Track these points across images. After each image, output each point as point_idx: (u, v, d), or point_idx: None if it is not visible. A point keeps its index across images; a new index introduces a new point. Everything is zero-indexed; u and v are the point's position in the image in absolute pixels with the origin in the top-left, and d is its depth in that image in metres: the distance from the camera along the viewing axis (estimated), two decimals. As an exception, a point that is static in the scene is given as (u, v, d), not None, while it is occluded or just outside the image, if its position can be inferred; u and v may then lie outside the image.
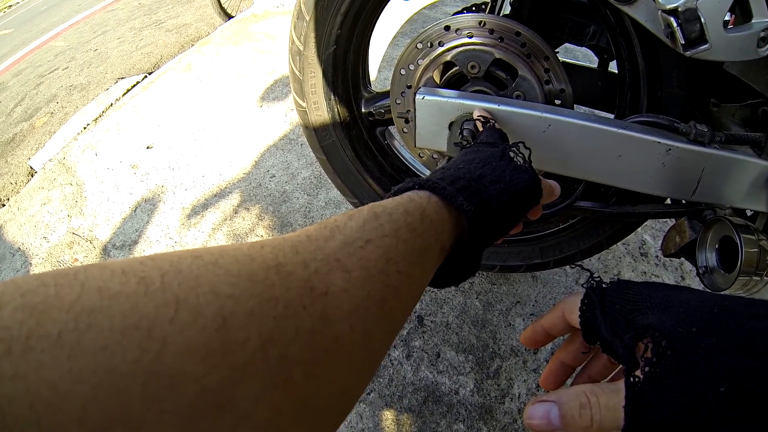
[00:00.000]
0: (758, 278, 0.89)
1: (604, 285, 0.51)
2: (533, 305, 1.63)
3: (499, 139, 0.78)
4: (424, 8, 3.64)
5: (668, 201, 1.11)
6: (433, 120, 1.02)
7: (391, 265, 0.42)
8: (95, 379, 0.23)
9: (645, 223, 1.85)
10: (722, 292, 0.93)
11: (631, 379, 0.39)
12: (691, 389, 0.36)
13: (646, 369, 0.39)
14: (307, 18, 1.14)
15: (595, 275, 0.52)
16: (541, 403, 0.42)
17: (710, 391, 0.35)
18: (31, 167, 2.94)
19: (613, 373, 0.56)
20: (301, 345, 0.33)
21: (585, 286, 0.52)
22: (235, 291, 0.31)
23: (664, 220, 1.85)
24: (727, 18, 0.85)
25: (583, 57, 2.66)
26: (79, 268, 0.28)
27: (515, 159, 0.65)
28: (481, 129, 0.88)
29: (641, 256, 1.79)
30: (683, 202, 1.07)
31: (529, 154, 0.67)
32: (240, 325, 0.30)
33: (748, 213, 1.09)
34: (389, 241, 0.43)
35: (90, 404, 0.23)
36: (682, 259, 1.14)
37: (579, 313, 0.51)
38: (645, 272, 1.74)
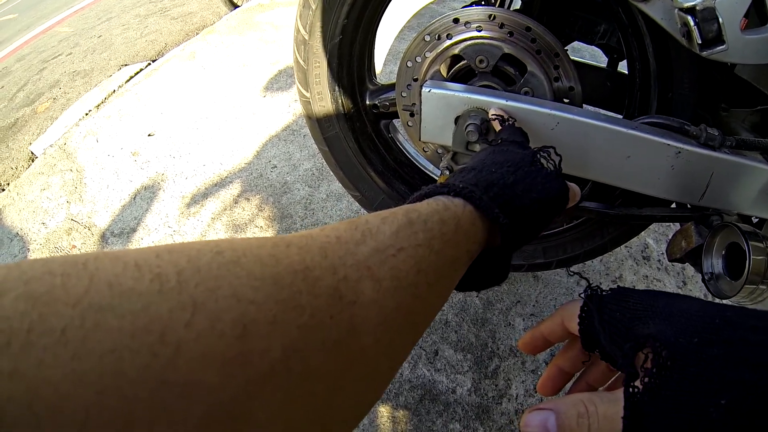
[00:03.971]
0: (764, 287, 0.88)
1: (603, 292, 0.50)
2: (533, 305, 1.62)
3: (522, 138, 0.77)
4: (431, 2, 3.63)
5: (674, 205, 1.10)
6: (439, 114, 1.01)
7: (422, 276, 0.41)
8: (101, 384, 0.22)
9: (648, 227, 1.84)
10: (727, 300, 0.92)
11: (630, 389, 0.38)
12: (691, 401, 0.36)
13: (646, 380, 0.38)
14: (314, 7, 1.13)
15: (593, 284, 0.51)
16: (539, 412, 0.41)
17: (711, 403, 0.35)
18: (32, 152, 2.93)
19: (611, 380, 0.55)
20: (326, 357, 0.32)
21: (581, 295, 0.51)
22: (257, 296, 0.29)
23: (668, 224, 1.84)
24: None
25: (591, 57, 2.64)
26: (89, 255, 0.26)
27: (546, 165, 0.64)
28: (498, 128, 0.87)
29: (643, 260, 1.78)
30: (689, 206, 1.05)
31: (560, 161, 0.66)
32: (261, 334, 0.28)
33: (754, 220, 1.08)
34: (422, 252, 0.42)
35: (93, 410, 0.21)
36: (685, 264, 1.13)
37: (578, 321, 0.51)
38: (647, 276, 1.72)
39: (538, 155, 0.65)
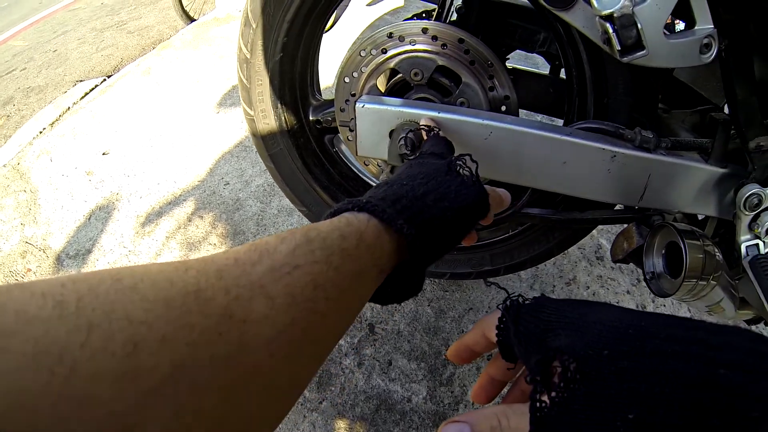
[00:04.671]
0: (704, 283, 0.90)
1: (525, 301, 0.49)
2: (486, 312, 1.62)
3: (444, 148, 0.78)
4: (385, 14, 3.65)
5: (620, 206, 1.11)
6: (373, 128, 1.02)
7: (320, 291, 0.42)
8: (8, 399, 0.24)
9: (601, 228, 1.87)
10: (670, 298, 0.93)
11: (537, 404, 0.38)
12: (598, 416, 0.35)
13: (552, 394, 0.37)
14: (254, 25, 1.13)
15: (513, 294, 0.51)
16: (454, 424, 0.41)
17: (618, 418, 0.34)
18: (-15, 173, 2.87)
19: None
20: (215, 372, 0.33)
21: (499, 306, 0.51)
22: (149, 317, 0.31)
23: (621, 224, 1.87)
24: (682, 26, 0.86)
25: (543, 64, 2.67)
26: (2, 288, 0.29)
27: (462, 173, 0.64)
28: (425, 138, 0.87)
29: (597, 261, 1.80)
30: (635, 207, 1.07)
31: (476, 168, 0.66)
32: (151, 351, 0.30)
33: (700, 218, 1.09)
34: (319, 268, 0.43)
35: (2, 421, 0.24)
36: (635, 262, 1.15)
37: (496, 333, 0.51)
38: (601, 276, 1.75)
39: (455, 164, 0.65)
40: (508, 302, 0.50)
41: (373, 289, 0.51)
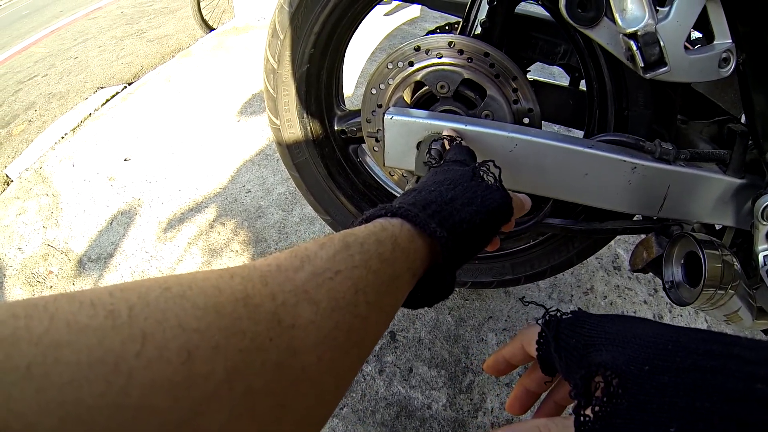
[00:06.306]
0: (722, 292, 0.90)
1: (564, 316, 0.50)
2: (506, 320, 1.64)
3: (467, 156, 0.79)
4: (403, 24, 3.65)
5: (639, 217, 1.12)
6: (401, 140, 1.03)
7: (360, 295, 0.43)
8: (62, 412, 0.24)
9: (618, 238, 1.87)
10: (688, 306, 0.94)
11: (581, 418, 0.38)
12: (640, 429, 0.35)
13: (596, 408, 0.38)
14: (282, 37, 1.15)
15: (551, 309, 0.52)
16: None
17: (660, 431, 0.34)
18: (7, 176, 2.89)
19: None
20: (267, 377, 0.34)
21: (539, 321, 0.52)
22: (201, 324, 0.31)
23: (637, 234, 1.87)
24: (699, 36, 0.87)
25: (560, 74, 2.67)
26: (49, 298, 0.28)
27: (486, 178, 0.66)
28: (448, 147, 0.88)
29: (614, 270, 1.81)
30: (654, 218, 1.08)
31: (499, 173, 0.68)
32: (205, 359, 0.30)
33: (718, 227, 1.10)
34: (359, 272, 0.44)
35: None
36: (653, 272, 1.15)
37: (536, 347, 0.52)
38: (618, 286, 1.75)
39: (479, 170, 0.67)
40: (547, 317, 0.51)
41: (407, 292, 0.52)
